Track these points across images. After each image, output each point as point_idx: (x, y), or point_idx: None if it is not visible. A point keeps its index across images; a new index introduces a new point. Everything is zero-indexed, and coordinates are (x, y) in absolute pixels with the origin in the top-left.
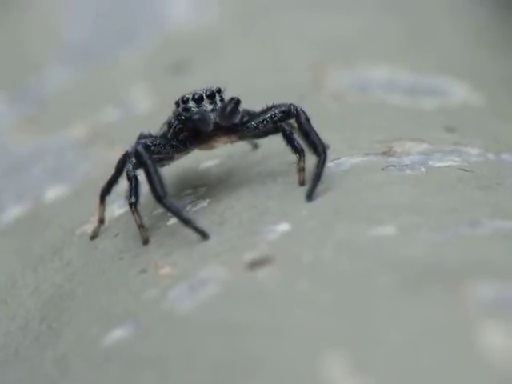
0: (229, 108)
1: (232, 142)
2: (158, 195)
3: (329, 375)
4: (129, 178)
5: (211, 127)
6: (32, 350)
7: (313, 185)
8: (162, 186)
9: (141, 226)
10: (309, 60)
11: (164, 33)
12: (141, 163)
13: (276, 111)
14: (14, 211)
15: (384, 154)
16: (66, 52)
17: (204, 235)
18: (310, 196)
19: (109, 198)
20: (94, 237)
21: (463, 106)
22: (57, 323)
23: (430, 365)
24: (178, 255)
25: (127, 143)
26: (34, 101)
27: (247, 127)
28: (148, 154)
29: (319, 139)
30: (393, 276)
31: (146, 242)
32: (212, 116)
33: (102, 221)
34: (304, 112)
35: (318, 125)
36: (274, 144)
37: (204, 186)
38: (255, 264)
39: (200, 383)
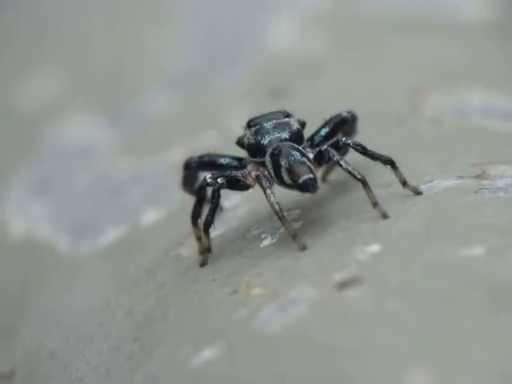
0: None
1: None
2: None
3: None
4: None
5: None
6: (123, 371)
7: None
8: None
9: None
10: (409, 85)
11: (266, 58)
12: None
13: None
14: (112, 234)
15: (477, 177)
16: (167, 76)
17: None
18: None
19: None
20: (203, 264)
21: None
22: (149, 344)
23: None
24: (269, 276)
25: None
26: (135, 125)
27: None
28: None
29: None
30: (482, 297)
31: None
32: None
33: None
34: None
35: (413, 148)
36: (370, 165)
37: (298, 209)
38: (344, 284)
39: None
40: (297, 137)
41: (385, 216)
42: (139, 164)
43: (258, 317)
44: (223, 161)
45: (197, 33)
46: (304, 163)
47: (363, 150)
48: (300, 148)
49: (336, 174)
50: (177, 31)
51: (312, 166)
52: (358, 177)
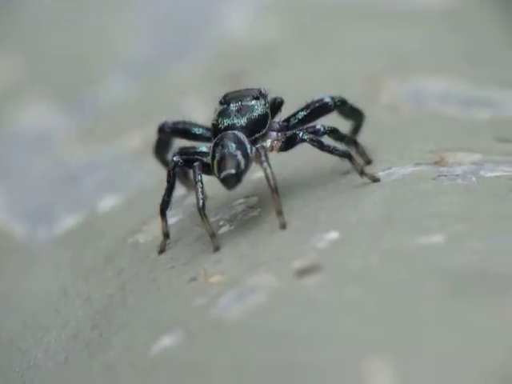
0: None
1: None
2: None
3: (374, 382)
4: None
5: None
6: (82, 358)
7: None
8: None
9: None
10: (365, 72)
11: (220, 45)
12: None
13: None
14: (69, 221)
15: (435, 163)
16: (124, 63)
17: None
18: None
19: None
20: (161, 251)
21: None
22: (107, 332)
23: (475, 371)
24: (227, 263)
25: None
26: (90, 112)
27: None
28: None
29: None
30: (440, 283)
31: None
32: None
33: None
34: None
35: (371, 136)
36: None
37: (255, 196)
38: (303, 272)
39: None
40: (255, 123)
41: (283, 227)
42: (96, 150)
43: (217, 304)
44: (197, 130)
45: (153, 20)
46: (234, 157)
47: (320, 146)
48: (242, 139)
49: (290, 159)
50: (133, 18)
51: (243, 161)
52: (272, 183)
